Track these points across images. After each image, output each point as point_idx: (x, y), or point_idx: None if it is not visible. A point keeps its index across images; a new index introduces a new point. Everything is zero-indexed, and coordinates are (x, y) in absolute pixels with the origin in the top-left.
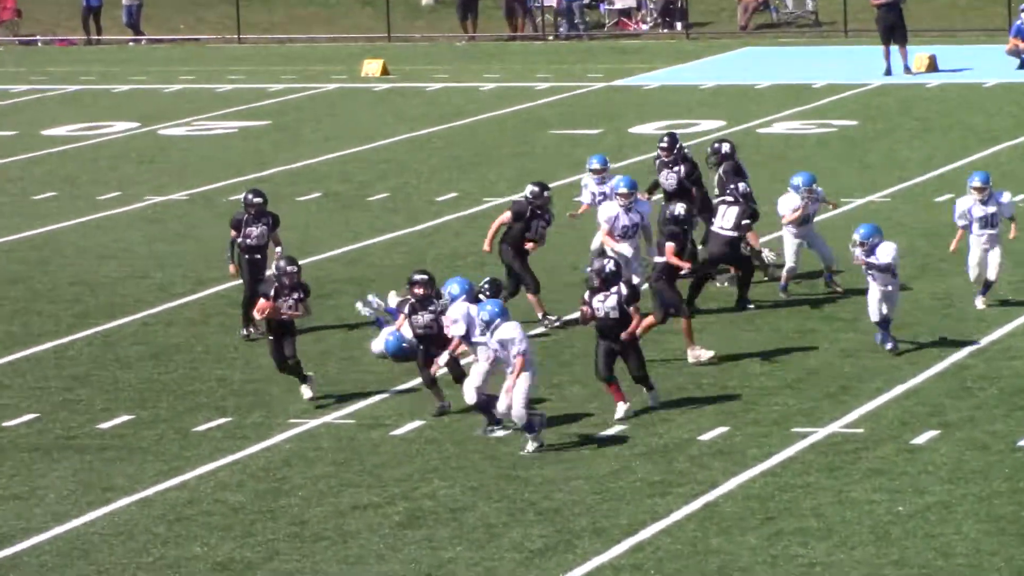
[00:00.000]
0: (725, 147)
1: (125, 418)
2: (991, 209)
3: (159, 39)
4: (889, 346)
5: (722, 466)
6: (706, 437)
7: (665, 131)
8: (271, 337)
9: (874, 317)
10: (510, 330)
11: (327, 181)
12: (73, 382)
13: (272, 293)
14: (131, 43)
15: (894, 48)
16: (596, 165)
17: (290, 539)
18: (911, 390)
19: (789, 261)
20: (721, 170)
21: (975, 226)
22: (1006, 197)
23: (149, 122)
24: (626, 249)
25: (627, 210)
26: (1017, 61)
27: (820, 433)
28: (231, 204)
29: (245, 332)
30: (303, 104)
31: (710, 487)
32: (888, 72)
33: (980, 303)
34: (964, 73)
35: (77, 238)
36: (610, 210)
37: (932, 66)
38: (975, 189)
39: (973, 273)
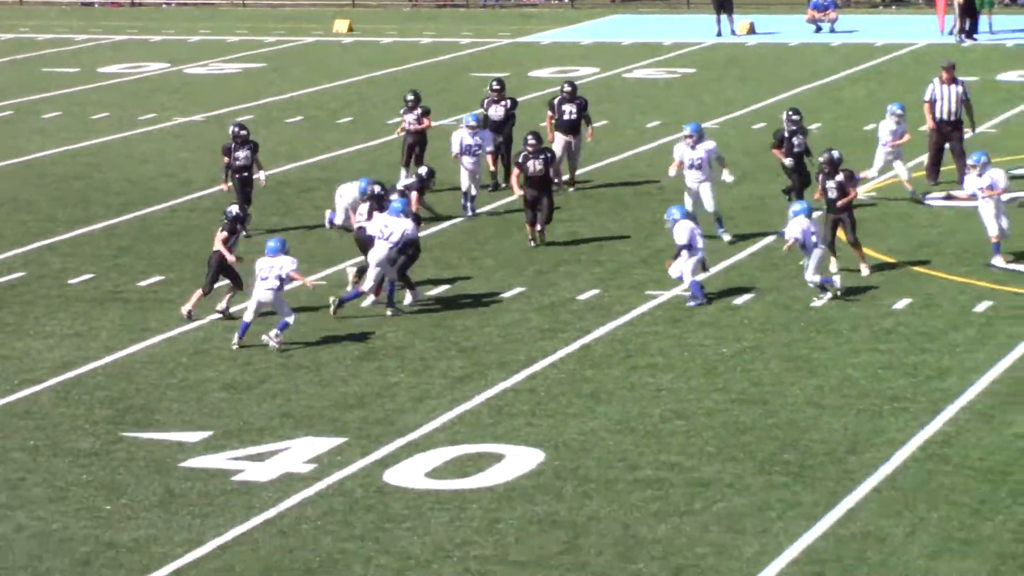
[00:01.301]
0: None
1: (158, 278)
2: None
3: (184, 2)
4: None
5: (595, 318)
6: (583, 297)
7: (561, 76)
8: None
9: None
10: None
11: (307, 108)
12: (119, 251)
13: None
14: (164, 5)
15: (724, 16)
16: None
17: (279, 367)
18: (731, 265)
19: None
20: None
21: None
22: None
23: (176, 64)
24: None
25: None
26: (814, 27)
27: (666, 295)
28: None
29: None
30: (290, 52)
31: (585, 333)
32: (719, 34)
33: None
34: (775, 35)
35: (123, 147)
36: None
37: (751, 30)
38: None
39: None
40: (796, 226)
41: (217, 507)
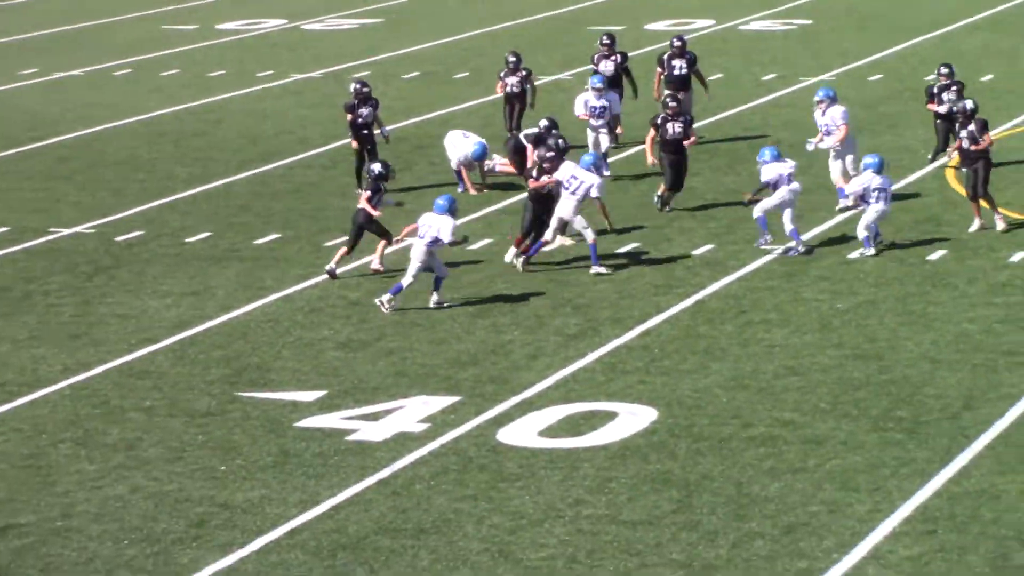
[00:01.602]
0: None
1: (273, 236)
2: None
3: None
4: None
5: (709, 273)
6: (697, 252)
7: (677, 29)
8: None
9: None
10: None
11: (424, 64)
12: (237, 210)
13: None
14: None
15: None
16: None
17: (394, 325)
18: (844, 220)
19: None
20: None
21: None
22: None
23: (295, 19)
24: None
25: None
26: None
27: (780, 248)
28: (352, 81)
29: (358, 189)
30: (407, 7)
31: (699, 288)
32: None
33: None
34: None
35: (241, 104)
36: None
37: None
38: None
39: None
40: (858, 181)
41: (331, 467)
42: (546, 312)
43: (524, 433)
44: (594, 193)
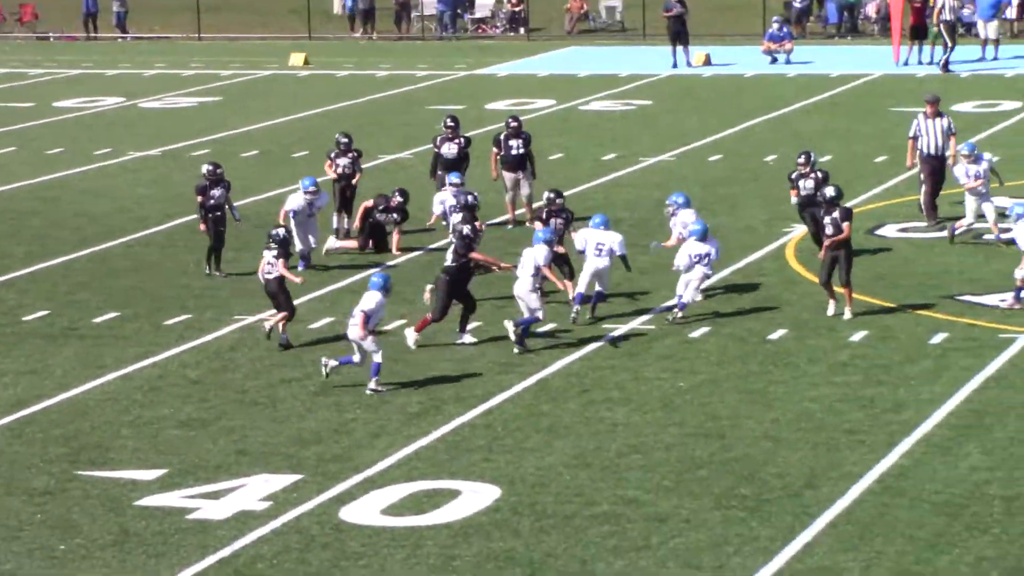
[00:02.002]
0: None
1: (113, 315)
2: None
3: (140, 36)
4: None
5: (550, 352)
6: (540, 330)
7: (517, 108)
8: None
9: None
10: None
11: (262, 143)
12: (75, 287)
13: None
14: (119, 39)
15: (679, 48)
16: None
17: (235, 404)
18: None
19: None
20: None
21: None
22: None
23: (132, 98)
24: None
25: None
26: (769, 58)
27: (623, 328)
28: (192, 159)
29: (208, 271)
30: (246, 85)
31: (542, 367)
32: (675, 65)
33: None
34: (730, 67)
35: (79, 182)
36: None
37: (707, 61)
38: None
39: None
40: (683, 249)
41: (172, 546)
42: (389, 390)
43: (367, 511)
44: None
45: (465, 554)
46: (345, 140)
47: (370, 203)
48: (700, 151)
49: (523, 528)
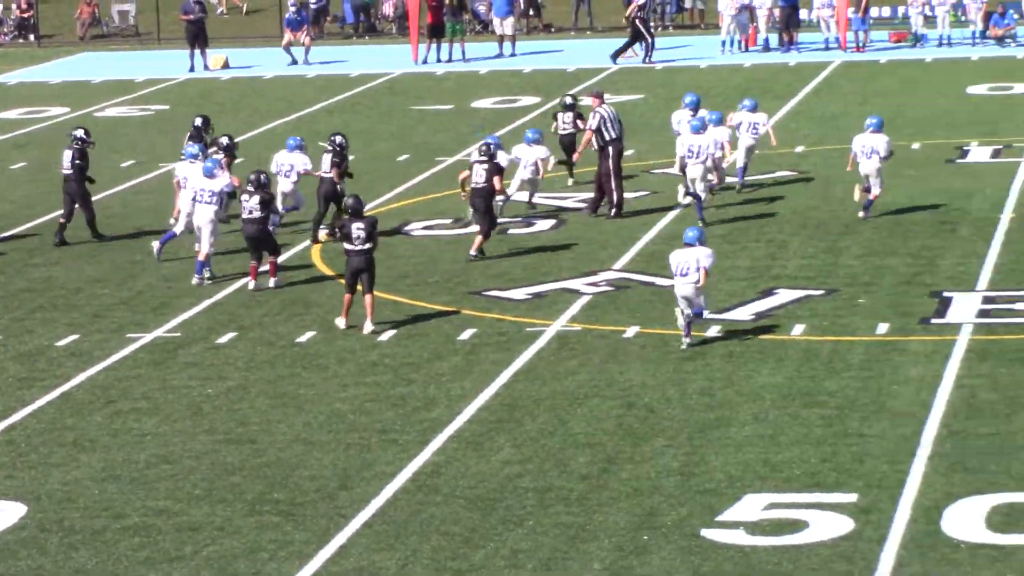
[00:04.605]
0: None
1: None
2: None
3: None
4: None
5: (74, 363)
6: (61, 343)
7: (29, 118)
8: None
9: None
10: None
11: None
12: None
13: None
14: None
15: (197, 51)
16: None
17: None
18: (215, 303)
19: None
20: None
21: None
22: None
23: None
24: None
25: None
26: (289, 58)
27: (148, 337)
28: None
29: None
30: None
31: (64, 380)
32: (192, 69)
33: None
34: (250, 69)
35: None
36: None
37: (226, 64)
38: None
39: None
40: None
41: None
42: None
43: None
44: None
45: None
46: None
47: None
48: None
49: (51, 545)
